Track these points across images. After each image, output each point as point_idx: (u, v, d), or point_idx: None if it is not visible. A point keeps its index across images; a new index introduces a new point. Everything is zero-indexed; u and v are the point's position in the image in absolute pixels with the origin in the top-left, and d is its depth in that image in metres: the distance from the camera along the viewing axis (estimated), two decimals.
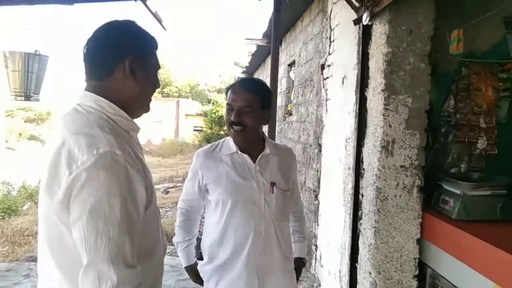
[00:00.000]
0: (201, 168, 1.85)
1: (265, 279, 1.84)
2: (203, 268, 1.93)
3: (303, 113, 5.01)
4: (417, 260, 2.50)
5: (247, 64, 12.24)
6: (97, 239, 1.00)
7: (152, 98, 1.30)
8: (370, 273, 2.52)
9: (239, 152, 1.82)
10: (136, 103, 1.23)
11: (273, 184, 1.83)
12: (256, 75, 12.21)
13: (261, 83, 1.88)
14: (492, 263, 1.94)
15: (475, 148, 2.85)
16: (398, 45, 2.42)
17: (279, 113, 6.82)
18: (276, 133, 6.79)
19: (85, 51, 1.18)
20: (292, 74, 6.34)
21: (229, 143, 1.86)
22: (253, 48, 9.34)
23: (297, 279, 2.03)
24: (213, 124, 22.35)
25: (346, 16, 3.13)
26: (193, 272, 2.01)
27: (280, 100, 7.12)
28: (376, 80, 2.51)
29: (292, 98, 6.16)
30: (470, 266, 2.08)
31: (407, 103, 2.42)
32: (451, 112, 2.88)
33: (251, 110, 1.75)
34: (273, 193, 1.83)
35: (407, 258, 2.50)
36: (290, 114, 6.12)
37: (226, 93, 1.83)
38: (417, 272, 2.50)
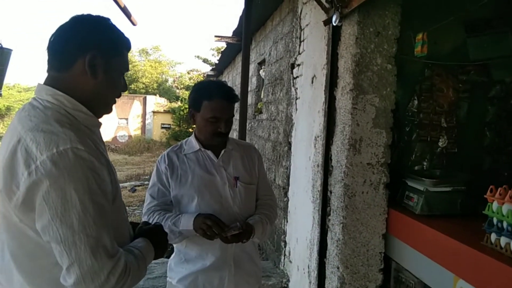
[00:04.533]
0: (167, 167, 1.88)
1: (237, 269, 1.90)
2: (175, 267, 1.94)
3: (273, 111, 5.05)
4: (383, 254, 2.59)
5: (216, 62, 12.20)
6: (75, 238, 0.98)
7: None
8: (338, 268, 2.60)
9: (203, 149, 1.90)
10: (94, 101, 1.17)
11: (236, 178, 1.91)
12: (225, 73, 12.19)
13: (235, 92, 1.95)
14: (452, 255, 2.04)
15: (436, 147, 2.99)
16: (366, 46, 2.49)
17: (249, 111, 6.85)
18: (246, 131, 6.81)
19: (50, 40, 1.15)
20: (262, 73, 6.37)
21: (192, 142, 1.93)
22: (222, 45, 9.30)
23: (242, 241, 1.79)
24: (181, 121, 22.08)
25: (316, 17, 3.19)
26: (207, 217, 1.76)
27: (250, 98, 7.14)
28: (345, 80, 2.58)
29: (262, 97, 6.20)
30: (432, 259, 2.18)
31: (374, 102, 2.50)
32: (414, 112, 3.00)
33: (232, 118, 1.91)
34: (236, 187, 1.90)
35: (373, 252, 2.59)
36: (260, 112, 6.16)
37: (200, 100, 1.82)
38: (382, 266, 2.60)
